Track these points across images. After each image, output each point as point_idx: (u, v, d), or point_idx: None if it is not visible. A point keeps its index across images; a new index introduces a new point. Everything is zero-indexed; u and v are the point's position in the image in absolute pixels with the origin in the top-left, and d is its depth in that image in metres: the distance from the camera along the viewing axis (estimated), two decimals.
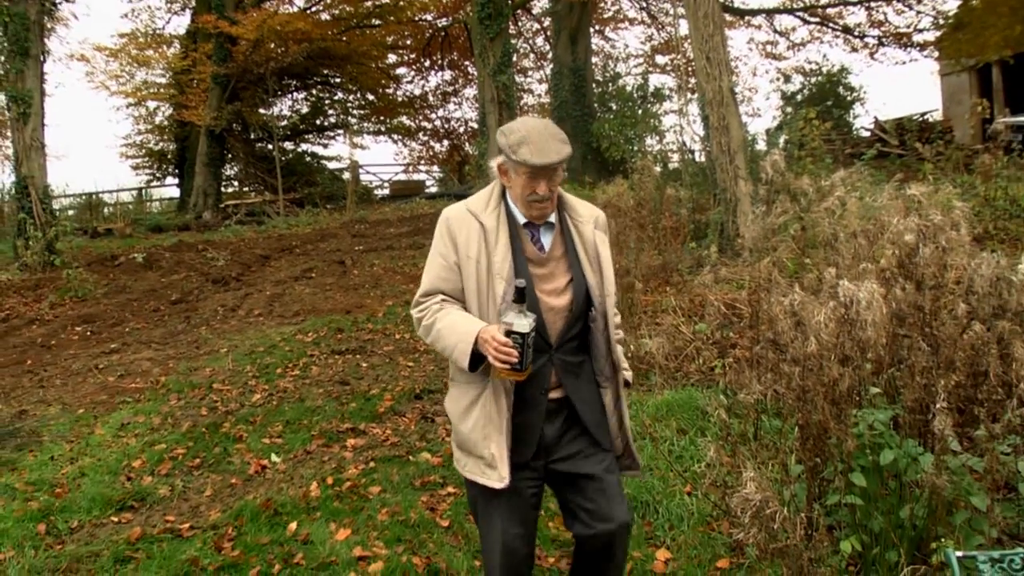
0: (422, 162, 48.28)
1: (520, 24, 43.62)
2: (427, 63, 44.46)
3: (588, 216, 4.17)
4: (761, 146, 22.10)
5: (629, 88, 34.22)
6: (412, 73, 45.83)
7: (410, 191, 39.13)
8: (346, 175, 38.41)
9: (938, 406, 4.63)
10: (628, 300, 11.74)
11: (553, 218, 4.06)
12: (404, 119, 46.00)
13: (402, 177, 44.49)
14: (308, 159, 41.46)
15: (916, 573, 4.65)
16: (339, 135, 43.87)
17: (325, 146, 44.77)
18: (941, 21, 35.39)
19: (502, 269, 3.87)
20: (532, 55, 46.11)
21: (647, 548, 5.86)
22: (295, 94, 42.20)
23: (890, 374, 5.72)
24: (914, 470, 4.77)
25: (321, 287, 17.18)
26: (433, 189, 40.98)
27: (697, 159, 20.37)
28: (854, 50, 39.76)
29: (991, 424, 4.79)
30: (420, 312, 4.03)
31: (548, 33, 40.87)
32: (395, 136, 46.35)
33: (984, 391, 5.17)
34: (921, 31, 36.69)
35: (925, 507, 4.82)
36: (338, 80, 41.92)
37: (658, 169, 19.29)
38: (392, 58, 44.19)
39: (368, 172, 43.16)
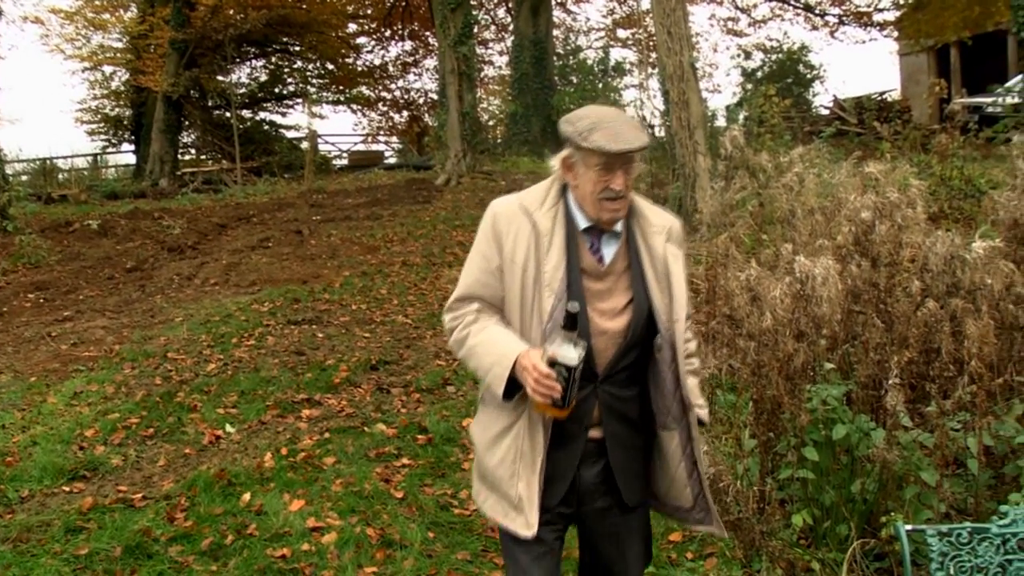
0: (381, 133, 48.10)
1: None
2: (388, 33, 44.16)
3: (660, 226, 3.53)
4: (721, 122, 22.24)
5: (590, 62, 34.27)
6: (372, 43, 45.52)
7: (369, 162, 38.87)
8: (304, 144, 38.09)
9: (891, 382, 4.68)
10: None
11: (619, 226, 3.45)
12: (364, 89, 45.70)
13: (361, 147, 44.23)
14: (266, 128, 41.19)
15: (866, 546, 4.70)
16: (298, 104, 43.64)
17: (284, 115, 44.38)
18: (901, 1, 35.69)
19: (552, 280, 3.30)
20: (493, 27, 45.92)
21: None
22: (254, 61, 41.88)
23: (844, 350, 5.77)
24: (866, 445, 4.81)
25: (278, 257, 17.08)
26: (392, 160, 40.81)
27: (657, 134, 20.42)
28: (814, 28, 40.04)
29: (942, 400, 4.84)
30: (453, 320, 3.50)
31: (510, 5, 40.67)
32: (354, 106, 46.04)
33: (936, 368, 5.22)
34: (881, 11, 37.03)
35: (876, 482, 4.87)
36: (297, 48, 41.58)
37: None
38: (352, 27, 43.88)
39: (327, 142, 42.90)
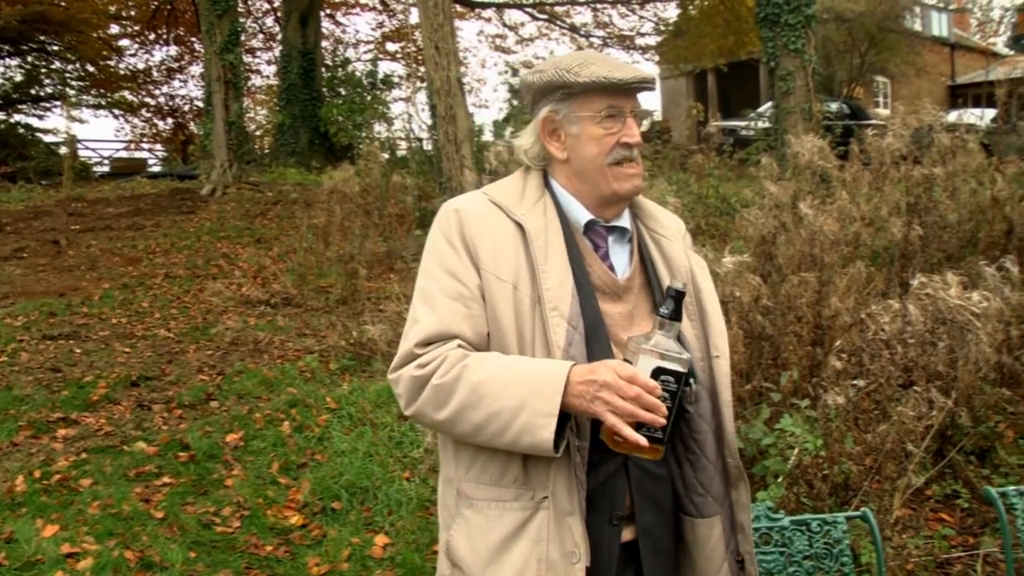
0: (145, 140, 46.81)
1: (249, 3, 42.74)
2: (152, 36, 42.97)
3: (675, 229, 2.58)
4: (488, 137, 22.54)
5: (359, 74, 34.19)
6: (136, 46, 44.20)
7: (132, 169, 37.70)
8: (63, 150, 36.65)
9: None
10: (352, 286, 11.80)
11: (626, 221, 2.48)
12: (126, 94, 44.39)
13: (123, 154, 42.91)
14: (21, 131, 39.31)
15: None
16: (56, 107, 41.94)
17: (40, 118, 42.43)
18: (662, 27, 37.22)
19: (559, 300, 2.26)
20: (261, 35, 45.23)
21: (365, 534, 5.92)
22: (7, 60, 39.99)
23: None
24: None
25: (33, 268, 16.37)
26: (156, 168, 39.73)
27: (425, 147, 20.60)
28: (580, 49, 40.97)
29: None
30: (423, 368, 2.24)
31: (278, 14, 40.18)
32: (116, 111, 44.66)
33: None
34: (643, 35, 38.44)
35: None
36: (56, 48, 39.97)
37: (385, 156, 19.40)
38: (115, 28, 42.51)
39: (87, 148, 41.32)
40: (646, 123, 2.41)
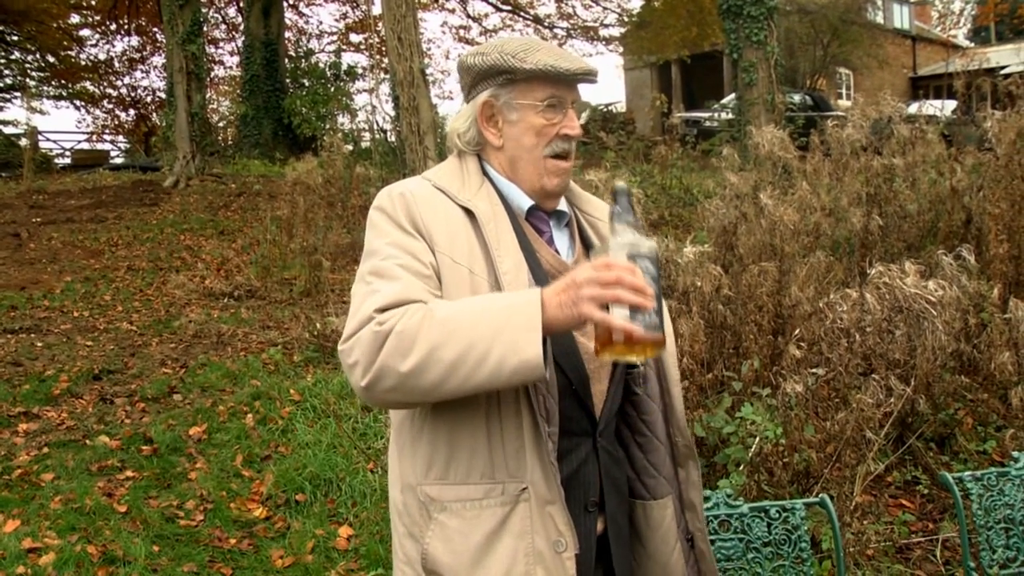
0: (107, 131, 46.41)
1: None
2: (113, 26, 42.59)
3: (607, 211, 2.37)
4: None
5: (322, 65, 34.09)
6: (97, 36, 43.80)
7: (93, 161, 37.39)
8: (24, 141, 36.32)
9: None
10: (315, 278, 11.76)
11: (564, 206, 2.44)
12: (88, 85, 43.95)
13: (85, 146, 42.54)
14: None
15: None
16: (16, 98, 41.55)
17: (0, 109, 42.18)
18: (626, 19, 37.31)
19: (517, 285, 2.16)
20: (224, 26, 44.90)
21: (329, 525, 5.91)
22: None
23: None
24: None
25: None
26: (118, 160, 39.43)
27: (388, 139, 20.56)
28: (543, 40, 41.03)
29: None
30: (383, 324, 2.06)
31: (241, 4, 39.94)
32: (78, 102, 44.23)
33: None
34: (607, 26, 38.50)
35: None
36: (15, 38, 39.55)
37: (349, 147, 19.36)
38: (75, 18, 42.12)
39: (48, 139, 41.02)
40: (584, 115, 2.32)
